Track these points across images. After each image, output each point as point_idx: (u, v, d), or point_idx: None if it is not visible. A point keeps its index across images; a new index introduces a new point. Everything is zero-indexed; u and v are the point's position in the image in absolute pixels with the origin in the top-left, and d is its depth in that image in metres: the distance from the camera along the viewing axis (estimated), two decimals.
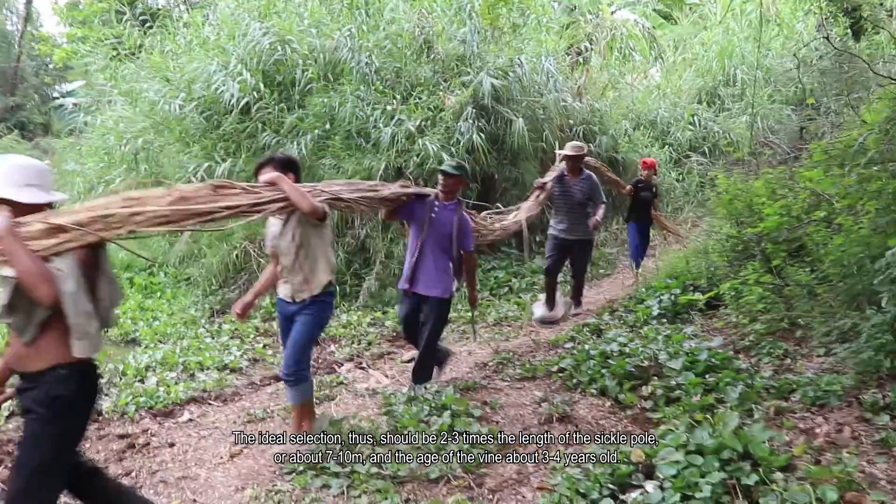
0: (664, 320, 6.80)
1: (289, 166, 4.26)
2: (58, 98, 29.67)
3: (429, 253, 5.23)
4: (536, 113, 10.30)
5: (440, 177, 5.32)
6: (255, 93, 9.79)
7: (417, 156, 8.69)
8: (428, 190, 5.46)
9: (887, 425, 4.15)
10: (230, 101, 9.76)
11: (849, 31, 7.61)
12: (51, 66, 31.47)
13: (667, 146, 13.78)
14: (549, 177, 7.56)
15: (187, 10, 13.20)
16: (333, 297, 4.69)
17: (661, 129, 14.31)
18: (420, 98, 9.46)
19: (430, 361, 5.43)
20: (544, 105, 10.40)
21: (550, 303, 7.54)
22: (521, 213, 7.19)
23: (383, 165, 8.64)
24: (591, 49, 15.08)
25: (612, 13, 20.91)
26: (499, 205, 7.66)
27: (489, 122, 9.58)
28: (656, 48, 18.33)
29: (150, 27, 13.16)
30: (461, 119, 9.20)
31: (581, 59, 14.34)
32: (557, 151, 7.91)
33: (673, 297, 7.09)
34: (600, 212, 7.32)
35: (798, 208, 6.20)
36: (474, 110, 9.36)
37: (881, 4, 7.29)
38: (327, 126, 9.29)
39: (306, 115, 9.45)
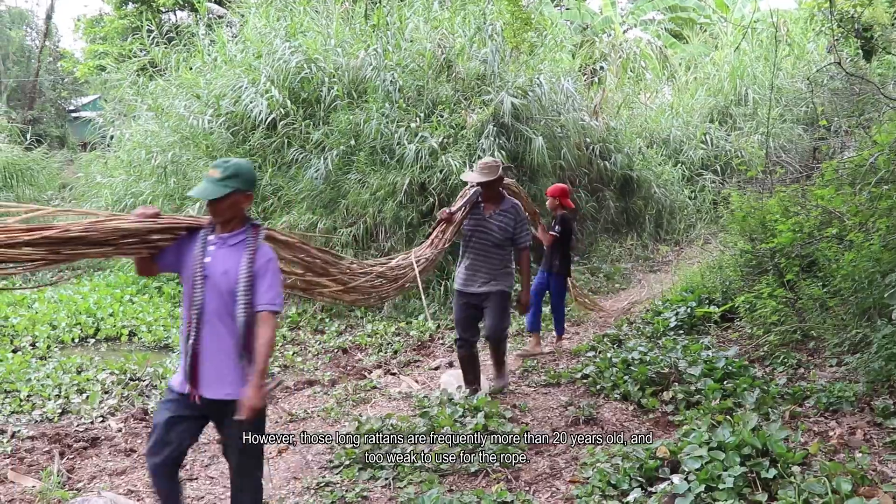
0: (681, 331, 7.07)
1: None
2: (74, 111, 30.16)
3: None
4: (555, 131, 10.61)
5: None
6: (281, 109, 10.14)
7: (441, 171, 9.00)
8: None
9: None
10: (258, 116, 10.11)
11: (860, 51, 7.84)
12: (66, 81, 32.01)
13: (679, 164, 14.08)
14: (460, 203, 5.80)
15: (210, 27, 13.54)
16: None
17: (673, 147, 14.62)
18: (442, 116, 9.79)
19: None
20: (563, 124, 10.72)
21: (470, 382, 5.72)
22: (413, 257, 5.47)
23: (407, 181, 8.95)
24: (606, 69, 15.43)
25: (624, 32, 21.32)
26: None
27: (509, 140, 9.89)
28: (668, 67, 18.68)
29: (174, 43, 13.54)
30: (482, 136, 9.51)
31: (596, 79, 14.68)
32: (464, 177, 6.25)
33: (689, 310, 7.36)
34: (525, 261, 5.73)
35: (810, 225, 6.47)
36: (495, 128, 9.68)
37: (893, 25, 7.54)
38: (352, 142, 9.63)
39: (332, 132, 9.78)
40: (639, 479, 4.06)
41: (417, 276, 5.24)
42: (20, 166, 15.03)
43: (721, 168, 14.22)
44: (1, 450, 5.05)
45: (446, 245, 5.75)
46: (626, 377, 5.71)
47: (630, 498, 3.89)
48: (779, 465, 3.85)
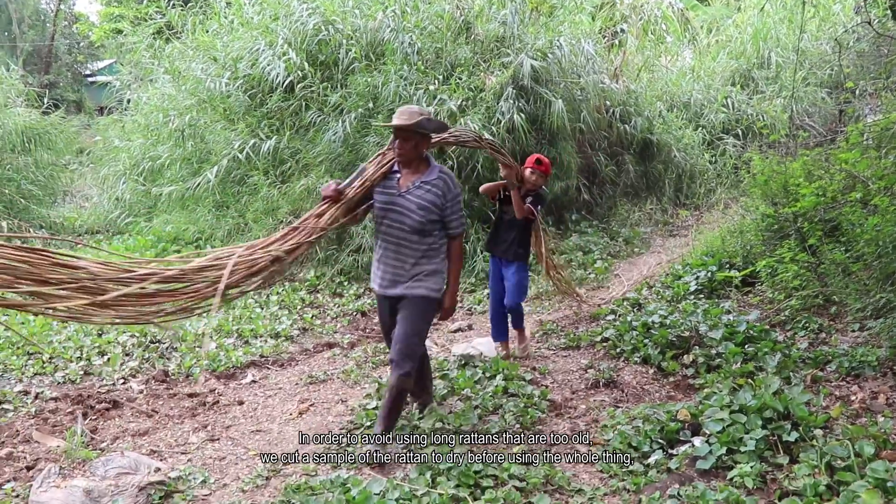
0: (701, 296, 7.03)
1: None
2: (90, 76, 30.16)
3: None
4: (574, 94, 10.49)
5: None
6: (299, 72, 10.07)
7: None
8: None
9: None
10: (275, 79, 10.05)
11: (888, 11, 7.66)
12: (82, 45, 31.97)
13: (700, 128, 13.91)
14: (369, 172, 4.23)
15: None
16: None
17: (694, 110, 14.44)
18: (461, 78, 9.68)
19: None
20: (582, 86, 10.59)
21: (416, 395, 4.72)
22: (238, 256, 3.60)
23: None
24: (626, 31, 15.19)
25: None
26: None
27: (528, 103, 9.78)
28: (690, 30, 18.38)
29: (190, 5, 13.45)
30: (501, 99, 9.41)
31: (617, 42, 14.47)
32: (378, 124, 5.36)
33: (710, 274, 7.31)
34: (456, 255, 4.30)
35: (834, 189, 6.38)
36: (514, 91, 9.57)
37: None
38: (370, 105, 9.55)
39: (349, 94, 9.70)
40: (659, 441, 4.08)
41: (222, 284, 3.43)
42: (38, 130, 15.01)
43: (742, 132, 14.03)
44: (25, 410, 5.12)
45: (318, 236, 3.97)
46: (646, 340, 5.70)
47: (651, 460, 3.91)
48: (800, 428, 3.86)
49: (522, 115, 9.30)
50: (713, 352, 5.30)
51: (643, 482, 3.69)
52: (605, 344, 5.98)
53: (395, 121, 4.00)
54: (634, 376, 5.32)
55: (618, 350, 5.78)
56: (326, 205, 4.04)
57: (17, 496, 3.97)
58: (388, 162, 4.22)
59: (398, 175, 4.19)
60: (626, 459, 3.98)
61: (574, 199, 10.58)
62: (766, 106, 14.09)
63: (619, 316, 6.58)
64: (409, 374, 4.13)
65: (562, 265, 7.71)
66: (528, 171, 5.69)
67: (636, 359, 5.58)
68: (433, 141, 4.38)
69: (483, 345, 6.04)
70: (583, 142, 10.78)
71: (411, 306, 4.18)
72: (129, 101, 15.33)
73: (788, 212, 6.55)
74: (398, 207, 4.12)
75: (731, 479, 3.56)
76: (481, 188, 5.95)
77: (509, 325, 6.06)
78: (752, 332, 5.54)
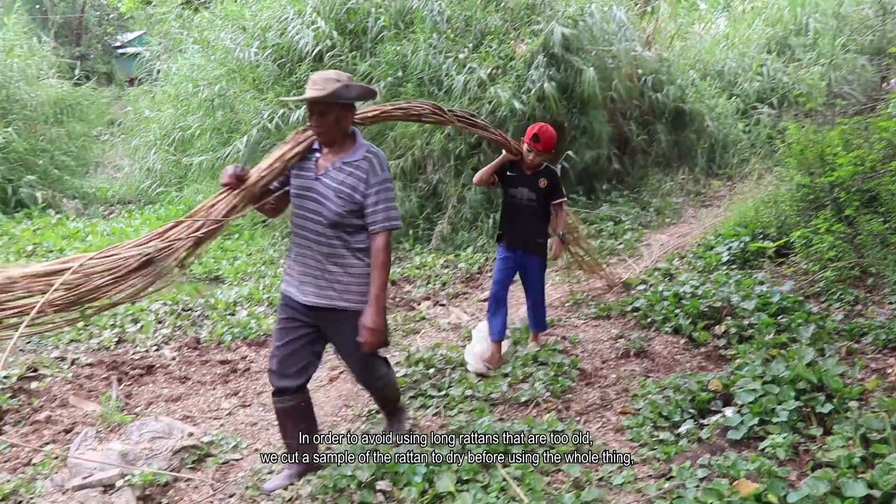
0: (734, 266, 6.94)
1: None
2: (120, 47, 30.31)
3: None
4: (606, 62, 10.34)
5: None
6: (328, 40, 10.03)
7: (489, 103, 8.86)
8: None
9: None
10: (304, 48, 10.02)
11: None
12: (112, 16, 32.06)
13: (734, 97, 13.67)
14: (282, 151, 3.49)
15: None
16: None
17: (728, 79, 14.17)
18: (490, 47, 9.58)
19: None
20: (614, 54, 10.43)
21: (294, 449, 3.65)
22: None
23: None
24: None
25: None
26: None
27: (559, 71, 9.66)
28: None
29: None
30: (532, 67, 9.31)
31: (649, 9, 14.21)
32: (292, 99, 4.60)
33: (742, 245, 7.21)
34: (380, 257, 3.37)
35: (873, 158, 6.23)
36: (545, 59, 9.46)
37: None
38: (399, 73, 9.49)
39: (379, 63, 9.65)
40: (690, 410, 4.05)
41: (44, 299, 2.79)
42: (70, 102, 15.18)
43: (778, 101, 13.76)
44: (62, 376, 5.21)
45: (210, 229, 3.22)
46: (677, 311, 5.64)
47: (682, 429, 3.88)
48: (834, 400, 3.80)
49: (553, 84, 9.19)
50: (745, 322, 5.23)
51: (674, 451, 3.67)
52: (635, 314, 5.93)
53: (308, 92, 3.28)
54: (665, 346, 5.28)
55: (648, 320, 5.73)
56: (223, 193, 3.30)
57: (56, 457, 4.07)
58: (304, 140, 3.46)
59: (318, 155, 3.44)
60: (657, 429, 3.96)
61: (605, 169, 10.47)
62: (803, 74, 13.79)
63: (650, 286, 6.52)
64: (384, 387, 3.78)
65: (587, 243, 6.96)
66: (525, 148, 4.89)
67: (667, 329, 5.54)
68: (370, 115, 3.85)
69: (478, 339, 5.26)
70: (614, 111, 10.64)
71: (344, 327, 3.45)
72: (158, 71, 15.41)
73: (825, 181, 6.42)
74: (313, 194, 3.36)
75: (763, 449, 3.53)
76: (475, 178, 5.14)
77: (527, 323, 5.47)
78: (785, 303, 5.46)
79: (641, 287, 6.57)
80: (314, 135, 3.43)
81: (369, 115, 3.86)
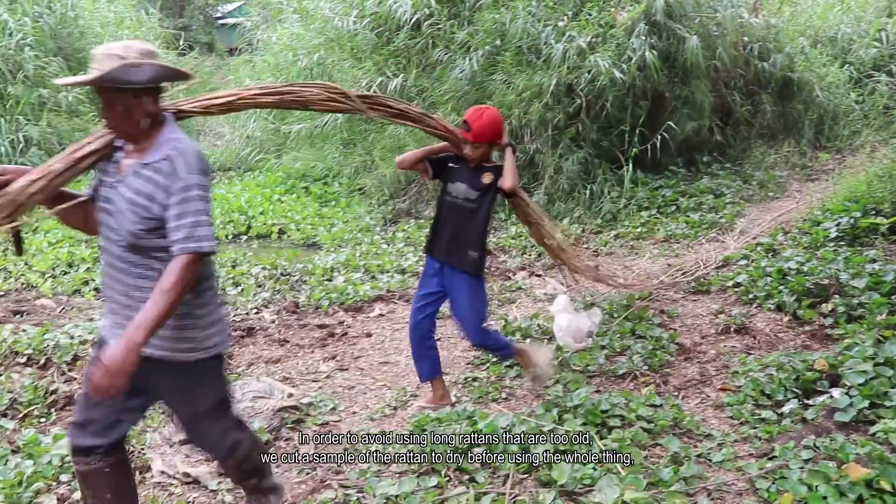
0: (842, 243, 6.65)
1: None
2: (220, 18, 31.07)
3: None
4: (710, 30, 9.97)
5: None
6: (426, 9, 10.03)
7: (588, 72, 8.69)
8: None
9: None
10: (402, 17, 10.06)
11: None
12: None
13: (847, 65, 12.99)
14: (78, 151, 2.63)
15: None
16: None
17: (841, 46, 13.44)
18: (590, 14, 9.38)
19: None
20: (719, 21, 10.05)
21: None
22: None
23: (554, 82, 8.71)
24: None
25: None
26: None
27: (661, 40, 9.38)
28: None
29: None
30: (633, 36, 9.07)
31: None
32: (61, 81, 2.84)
33: (852, 221, 6.89)
34: (176, 279, 2.37)
35: None
36: (646, 27, 9.20)
37: None
38: (498, 42, 9.41)
39: (477, 32, 9.59)
40: (794, 390, 3.94)
41: None
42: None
43: None
44: None
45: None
46: (781, 287, 5.46)
47: (785, 408, 3.78)
48: None
49: (654, 53, 8.94)
50: (855, 301, 5.01)
51: (776, 431, 3.58)
52: (736, 289, 5.76)
53: (83, 74, 2.57)
54: (767, 323, 5.12)
55: (750, 296, 5.56)
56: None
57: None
58: (103, 135, 2.64)
59: (122, 154, 2.62)
60: (758, 407, 3.87)
61: (706, 141, 10.14)
62: None
63: (752, 261, 6.32)
64: (241, 459, 2.89)
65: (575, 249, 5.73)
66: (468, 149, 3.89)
67: (770, 306, 5.36)
68: (217, 103, 3.05)
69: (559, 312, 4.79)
70: (717, 80, 10.28)
71: (173, 386, 2.69)
72: (258, 41, 15.74)
73: None
74: (111, 206, 2.55)
75: (874, 434, 3.39)
76: (397, 159, 4.10)
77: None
78: None
79: (743, 262, 6.37)
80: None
81: (215, 102, 3.03)
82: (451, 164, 4.00)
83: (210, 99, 3.03)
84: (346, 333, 5.62)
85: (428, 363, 4.15)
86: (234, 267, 7.25)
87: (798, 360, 4.17)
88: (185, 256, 2.40)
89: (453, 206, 3.94)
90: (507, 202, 4.21)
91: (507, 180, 3.80)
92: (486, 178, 3.88)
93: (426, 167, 4.01)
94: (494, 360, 4.62)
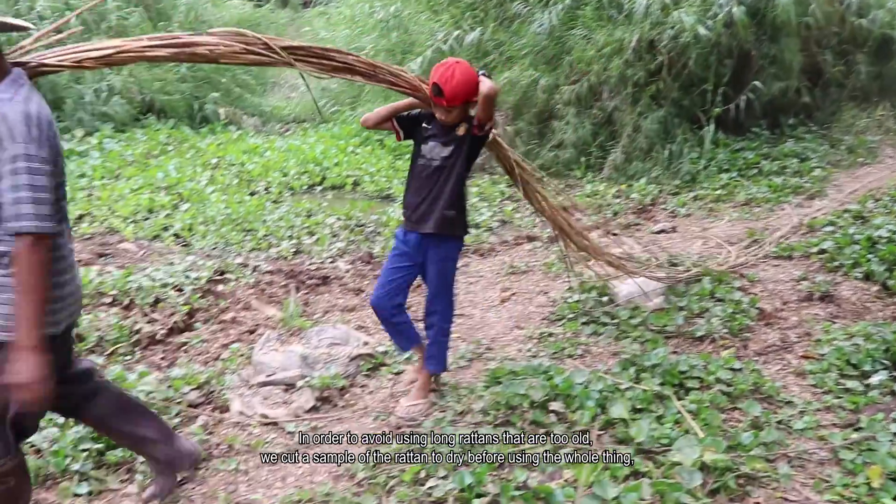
0: None
1: None
2: None
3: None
4: None
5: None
6: None
7: (672, 28, 8.42)
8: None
9: None
10: None
11: None
12: None
13: None
14: None
15: None
16: None
17: None
18: None
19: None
20: None
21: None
22: None
23: (636, 38, 8.48)
24: None
25: None
26: None
27: None
28: None
29: None
30: None
31: None
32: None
33: None
34: (28, 265, 2.18)
35: None
36: None
37: None
38: None
39: None
40: (883, 361, 3.81)
41: None
42: (251, 22, 15.86)
43: None
44: (245, 281, 5.54)
45: None
46: (870, 255, 5.25)
47: (873, 380, 3.65)
48: None
49: (742, 8, 8.56)
50: None
51: (863, 402, 3.47)
52: (821, 256, 5.56)
53: None
54: (854, 292, 4.94)
55: (836, 263, 5.36)
56: None
57: (242, 355, 4.36)
58: None
59: None
60: (843, 377, 3.75)
61: (793, 102, 9.74)
62: None
63: (839, 227, 6.09)
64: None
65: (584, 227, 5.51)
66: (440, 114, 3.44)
67: (857, 274, 5.16)
68: (97, 56, 2.65)
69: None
70: (808, 38, 9.82)
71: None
72: None
73: None
74: None
75: None
76: (363, 118, 3.68)
77: (422, 330, 3.88)
78: None
79: (829, 228, 6.14)
80: None
81: (91, 56, 2.65)
82: (424, 125, 3.53)
83: (85, 51, 2.63)
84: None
85: (407, 336, 3.78)
86: (309, 216, 7.33)
87: (888, 330, 4.02)
88: (31, 238, 2.17)
89: (428, 169, 3.47)
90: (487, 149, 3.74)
91: (485, 85, 3.30)
92: (461, 130, 3.43)
93: (394, 126, 3.56)
94: (571, 316, 4.58)
